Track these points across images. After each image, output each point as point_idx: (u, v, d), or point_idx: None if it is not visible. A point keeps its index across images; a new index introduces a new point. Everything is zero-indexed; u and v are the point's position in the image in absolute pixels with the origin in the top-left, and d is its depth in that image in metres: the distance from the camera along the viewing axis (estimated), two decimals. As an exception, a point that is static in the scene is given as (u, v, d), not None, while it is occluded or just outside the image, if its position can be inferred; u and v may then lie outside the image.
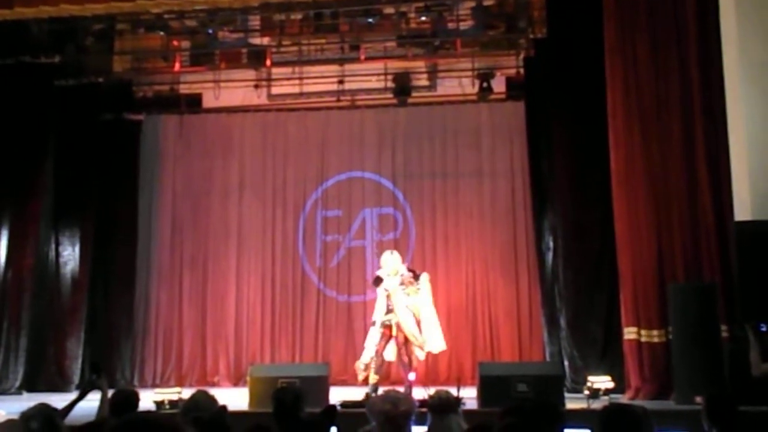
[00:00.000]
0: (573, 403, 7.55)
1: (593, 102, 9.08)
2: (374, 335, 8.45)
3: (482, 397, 7.33)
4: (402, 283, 8.50)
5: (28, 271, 10.41)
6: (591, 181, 9.41)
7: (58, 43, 10.78)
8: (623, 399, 7.88)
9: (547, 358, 9.83)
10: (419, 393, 7.22)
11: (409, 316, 8.38)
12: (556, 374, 7.82)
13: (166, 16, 10.48)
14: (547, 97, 10.05)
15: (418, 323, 8.41)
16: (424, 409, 4.13)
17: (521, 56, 11.10)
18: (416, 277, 8.68)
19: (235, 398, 7.63)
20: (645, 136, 8.50)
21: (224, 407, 3.73)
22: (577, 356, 9.25)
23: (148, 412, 3.02)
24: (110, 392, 4.77)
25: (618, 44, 8.72)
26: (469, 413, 5.31)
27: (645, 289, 8.33)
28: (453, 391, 4.63)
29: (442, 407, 4.14)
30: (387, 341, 8.40)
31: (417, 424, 4.03)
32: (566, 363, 9.28)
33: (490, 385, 7.29)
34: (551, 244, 10.00)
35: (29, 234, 10.51)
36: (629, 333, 8.35)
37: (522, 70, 11.05)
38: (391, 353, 8.49)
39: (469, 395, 7.31)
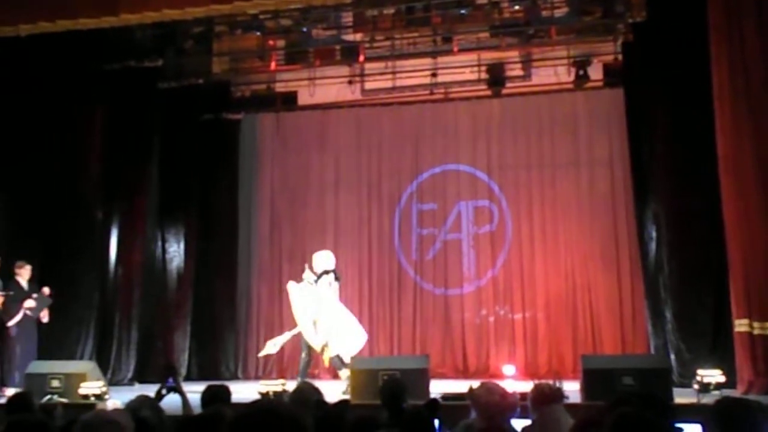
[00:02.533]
0: (681, 397, 7.31)
1: (696, 86, 8.78)
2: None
3: (586, 390, 7.17)
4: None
5: (137, 268, 10.82)
6: (695, 168, 9.10)
7: (160, 48, 11.15)
8: (735, 394, 7.59)
9: (652, 351, 9.57)
10: (519, 386, 7.14)
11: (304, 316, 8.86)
12: (663, 367, 7.59)
13: (261, 16, 10.68)
14: (647, 82, 9.77)
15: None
16: (524, 402, 4.10)
17: (619, 42, 10.79)
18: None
19: (335, 390, 7.74)
20: (753, 119, 8.16)
21: (347, 401, 3.79)
22: (684, 349, 8.97)
23: (268, 401, 3.07)
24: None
25: (723, 24, 8.39)
26: (572, 407, 5.22)
27: (757, 279, 8.00)
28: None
29: (546, 398, 4.09)
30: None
31: (518, 417, 4.00)
32: (672, 356, 9.01)
33: (593, 379, 7.13)
34: (654, 233, 9.72)
35: (137, 231, 10.92)
36: (740, 325, 8.03)
37: (620, 56, 10.75)
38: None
39: (570, 389, 7.18)
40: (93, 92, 10.63)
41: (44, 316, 8.93)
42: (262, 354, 9.76)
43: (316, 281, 8.98)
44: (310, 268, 9.06)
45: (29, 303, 8.81)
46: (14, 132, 9.77)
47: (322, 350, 8.88)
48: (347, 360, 8.61)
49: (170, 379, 4.93)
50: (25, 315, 8.84)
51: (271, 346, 9.43)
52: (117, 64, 10.77)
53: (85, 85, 10.48)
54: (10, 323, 8.72)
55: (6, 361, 8.69)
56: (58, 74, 10.08)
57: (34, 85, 9.94)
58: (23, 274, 8.94)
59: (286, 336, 9.35)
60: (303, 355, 9.15)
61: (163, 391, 4.77)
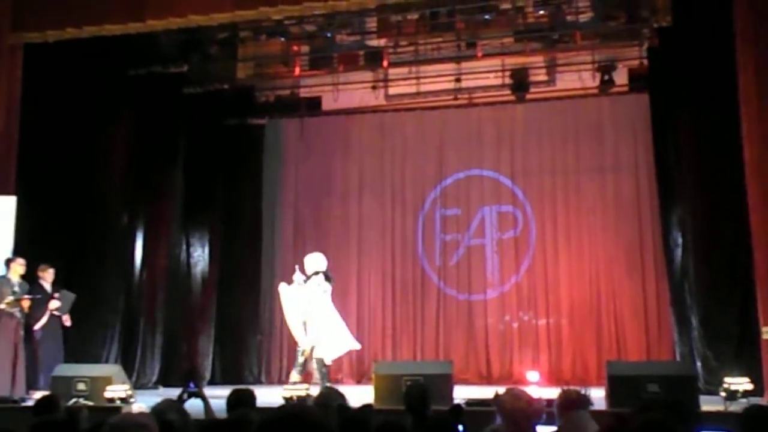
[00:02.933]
0: (708, 405, 7.23)
1: (723, 91, 8.67)
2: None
3: (611, 397, 7.12)
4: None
5: (162, 272, 10.89)
6: (722, 173, 8.99)
7: (186, 53, 11.21)
8: (762, 401, 7.49)
9: (678, 358, 9.48)
10: (544, 392, 7.10)
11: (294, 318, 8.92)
12: (689, 374, 7.51)
13: (286, 21, 10.72)
14: (672, 87, 9.69)
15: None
16: (550, 408, 4.07)
17: (644, 46, 10.73)
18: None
19: (359, 395, 7.73)
20: (781, 124, 8.06)
21: (370, 405, 3.80)
22: (710, 356, 8.86)
23: (295, 406, 3.09)
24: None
25: (749, 28, 8.29)
26: (597, 413, 5.18)
27: (784, 286, 7.89)
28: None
29: (573, 404, 4.06)
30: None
31: (544, 424, 3.97)
32: (698, 363, 8.91)
33: (619, 385, 7.07)
34: (680, 239, 9.64)
35: (162, 236, 10.99)
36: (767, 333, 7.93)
37: (645, 61, 10.69)
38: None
39: (594, 395, 7.12)
40: (119, 97, 10.72)
41: (66, 320, 8.98)
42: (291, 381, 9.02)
43: (305, 282, 9.01)
44: (302, 270, 9.05)
45: (54, 303, 8.87)
46: (41, 137, 9.86)
47: (311, 352, 8.90)
48: (328, 362, 8.82)
49: (192, 384, 4.96)
50: (50, 318, 8.91)
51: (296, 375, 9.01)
52: (143, 70, 10.85)
53: (111, 91, 10.56)
54: (37, 326, 8.79)
55: (32, 364, 8.76)
56: (85, 80, 10.17)
57: (61, 91, 10.03)
58: (47, 278, 8.99)
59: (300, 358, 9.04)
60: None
61: (185, 396, 4.79)
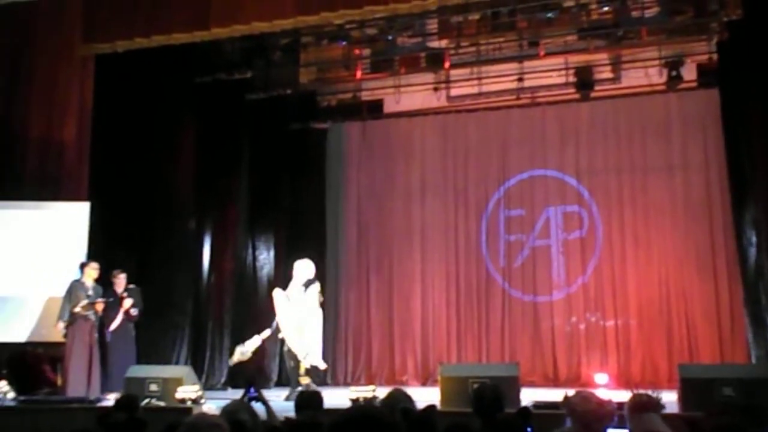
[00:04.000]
0: (785, 408, 7.00)
1: (797, 84, 8.42)
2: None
3: (683, 400, 6.95)
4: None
5: (229, 275, 11.07)
6: (797, 170, 8.73)
7: (249, 60, 11.38)
8: (844, 405, 7.22)
9: (753, 361, 9.21)
10: (613, 395, 6.98)
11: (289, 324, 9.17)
12: (766, 377, 7.27)
13: (347, 26, 10.77)
14: (744, 82, 9.45)
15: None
16: (621, 411, 4.00)
17: (713, 41, 10.45)
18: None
19: (424, 397, 7.71)
20: None
21: (433, 406, 3.79)
22: (788, 358, 8.61)
23: (366, 407, 3.09)
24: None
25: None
26: (669, 417, 5.08)
27: None
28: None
29: (644, 407, 3.98)
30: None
31: (614, 427, 3.91)
32: (775, 365, 8.66)
33: (691, 389, 6.89)
34: (754, 238, 9.37)
35: (229, 239, 11.18)
36: None
37: (715, 56, 10.43)
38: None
39: (665, 399, 6.97)
40: (185, 105, 10.95)
41: (134, 312, 9.17)
42: (232, 362, 9.77)
43: (305, 289, 9.25)
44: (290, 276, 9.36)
45: (128, 302, 9.11)
46: (111, 144, 10.13)
47: (304, 358, 9.21)
48: (322, 367, 9.33)
49: (252, 389, 5.02)
50: (123, 320, 9.13)
51: (239, 354, 9.49)
52: (208, 77, 11.04)
53: (177, 98, 10.79)
54: (111, 328, 9.04)
55: (104, 366, 9.00)
56: (152, 88, 10.40)
57: (130, 99, 10.29)
58: (119, 283, 9.24)
59: (255, 341, 9.50)
60: (291, 363, 9.42)
61: (245, 400, 4.84)
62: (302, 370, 9.29)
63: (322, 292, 9.50)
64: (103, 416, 4.18)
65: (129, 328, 9.26)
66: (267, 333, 9.51)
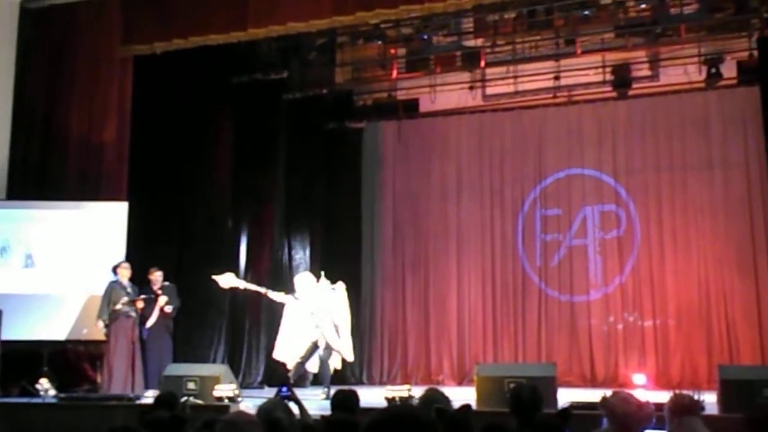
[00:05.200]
0: (829, 411, 6.86)
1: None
2: None
3: (723, 402, 6.85)
4: None
5: (265, 274, 11.10)
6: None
7: (285, 60, 11.45)
8: None
9: (795, 362, 9.05)
10: (651, 396, 6.91)
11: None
12: (808, 379, 7.14)
13: (383, 25, 10.79)
14: (785, 79, 9.27)
15: None
16: (659, 413, 3.95)
17: (754, 37, 10.29)
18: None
19: (460, 397, 7.68)
20: None
21: (468, 406, 3.78)
22: (831, 360, 8.43)
23: (404, 406, 3.10)
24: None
25: None
26: (709, 418, 5.01)
27: None
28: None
29: (685, 409, 3.93)
30: None
31: (653, 428, 3.86)
32: (818, 367, 8.49)
33: (732, 390, 6.78)
34: (796, 238, 9.20)
35: (265, 238, 11.24)
36: None
37: (755, 53, 10.26)
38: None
39: (705, 400, 6.87)
40: (222, 105, 11.03)
41: (168, 309, 9.25)
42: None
43: (333, 288, 9.44)
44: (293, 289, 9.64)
45: (163, 299, 9.19)
46: (149, 144, 10.25)
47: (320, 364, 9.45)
48: (339, 367, 9.49)
49: (284, 388, 5.04)
50: (158, 317, 9.20)
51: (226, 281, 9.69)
52: (245, 77, 11.12)
53: (214, 98, 10.88)
54: (147, 325, 9.13)
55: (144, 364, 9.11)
56: (190, 89, 10.50)
57: (167, 100, 10.40)
58: (155, 281, 9.33)
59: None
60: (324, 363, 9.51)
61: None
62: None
63: (351, 292, 9.64)
64: (144, 413, 4.24)
65: (166, 325, 9.32)
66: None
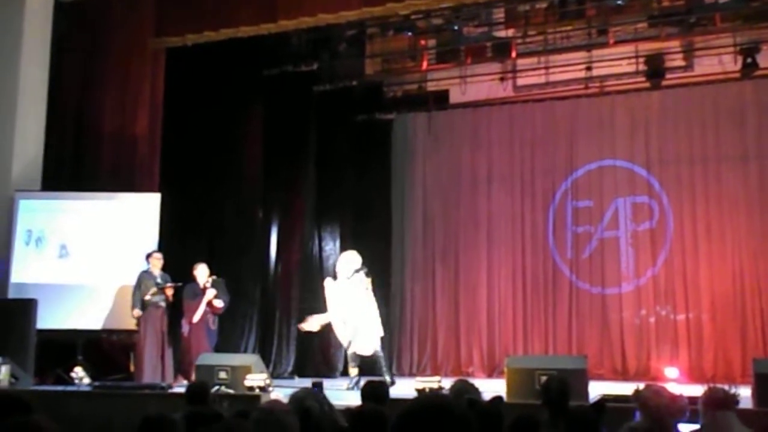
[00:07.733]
0: None
1: None
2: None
3: (758, 396, 6.76)
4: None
5: (296, 265, 11.19)
6: None
7: (316, 52, 11.46)
8: None
9: (832, 356, 8.90)
10: (684, 389, 6.84)
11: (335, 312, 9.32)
12: None
13: (413, 16, 10.75)
14: (824, 68, 9.09)
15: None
16: (693, 406, 3.91)
17: (791, 26, 10.12)
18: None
19: (490, 388, 7.67)
20: None
21: (500, 397, 3.77)
22: None
23: (436, 397, 3.10)
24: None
25: None
26: (743, 413, 4.95)
27: None
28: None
29: (719, 403, 3.88)
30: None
31: (686, 422, 3.83)
32: None
33: (766, 384, 6.70)
34: (833, 230, 9.04)
35: (296, 230, 11.30)
36: None
37: (792, 42, 10.09)
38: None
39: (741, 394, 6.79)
40: (253, 97, 11.10)
41: (219, 303, 9.19)
42: (302, 328, 9.76)
43: (349, 278, 9.29)
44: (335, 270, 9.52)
45: (210, 293, 9.16)
46: (181, 136, 10.33)
47: (348, 345, 9.28)
48: (367, 353, 9.19)
49: (315, 390, 5.09)
50: (205, 312, 9.17)
51: (311, 324, 9.57)
52: (275, 69, 11.16)
53: (245, 91, 10.95)
54: (194, 319, 9.12)
55: (181, 354, 9.16)
56: (221, 81, 10.57)
57: (199, 92, 10.48)
58: (200, 275, 9.30)
59: (325, 317, 9.53)
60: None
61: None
62: (350, 361, 9.34)
63: (375, 281, 9.50)
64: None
65: (205, 322, 9.17)
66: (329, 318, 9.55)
